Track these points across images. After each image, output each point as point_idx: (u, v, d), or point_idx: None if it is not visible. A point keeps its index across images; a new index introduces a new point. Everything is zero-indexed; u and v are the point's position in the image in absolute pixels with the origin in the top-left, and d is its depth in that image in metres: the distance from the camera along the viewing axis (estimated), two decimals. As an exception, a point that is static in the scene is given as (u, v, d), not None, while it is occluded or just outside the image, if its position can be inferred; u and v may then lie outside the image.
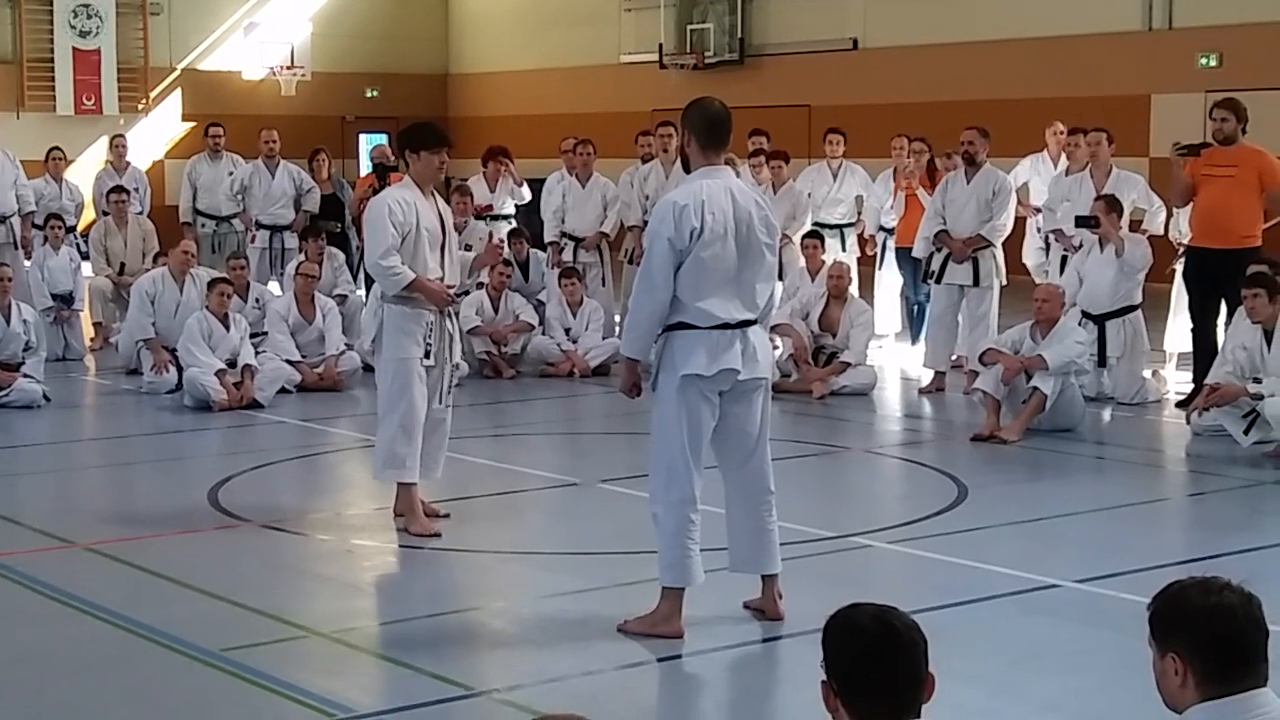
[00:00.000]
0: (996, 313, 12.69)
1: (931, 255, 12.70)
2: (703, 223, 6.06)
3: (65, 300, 14.65)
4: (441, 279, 7.71)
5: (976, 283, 12.45)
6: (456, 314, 7.86)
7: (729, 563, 6.47)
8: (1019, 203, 15.05)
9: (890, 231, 14.77)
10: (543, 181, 15.20)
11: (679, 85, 25.23)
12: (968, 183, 12.44)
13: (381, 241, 7.57)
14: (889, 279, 14.95)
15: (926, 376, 12.88)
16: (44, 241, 15.19)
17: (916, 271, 13.95)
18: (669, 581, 6.21)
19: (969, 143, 12.42)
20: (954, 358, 12.87)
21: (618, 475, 8.94)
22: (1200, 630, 3.17)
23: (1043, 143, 15.18)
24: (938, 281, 12.70)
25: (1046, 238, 14.90)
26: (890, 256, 14.82)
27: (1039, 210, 15.02)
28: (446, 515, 7.94)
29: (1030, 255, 15.21)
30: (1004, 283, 12.80)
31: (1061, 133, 15.17)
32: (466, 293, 8.20)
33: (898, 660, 3.06)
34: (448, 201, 14.34)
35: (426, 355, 7.69)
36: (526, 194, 15.41)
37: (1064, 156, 14.93)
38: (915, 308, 14.43)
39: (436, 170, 7.73)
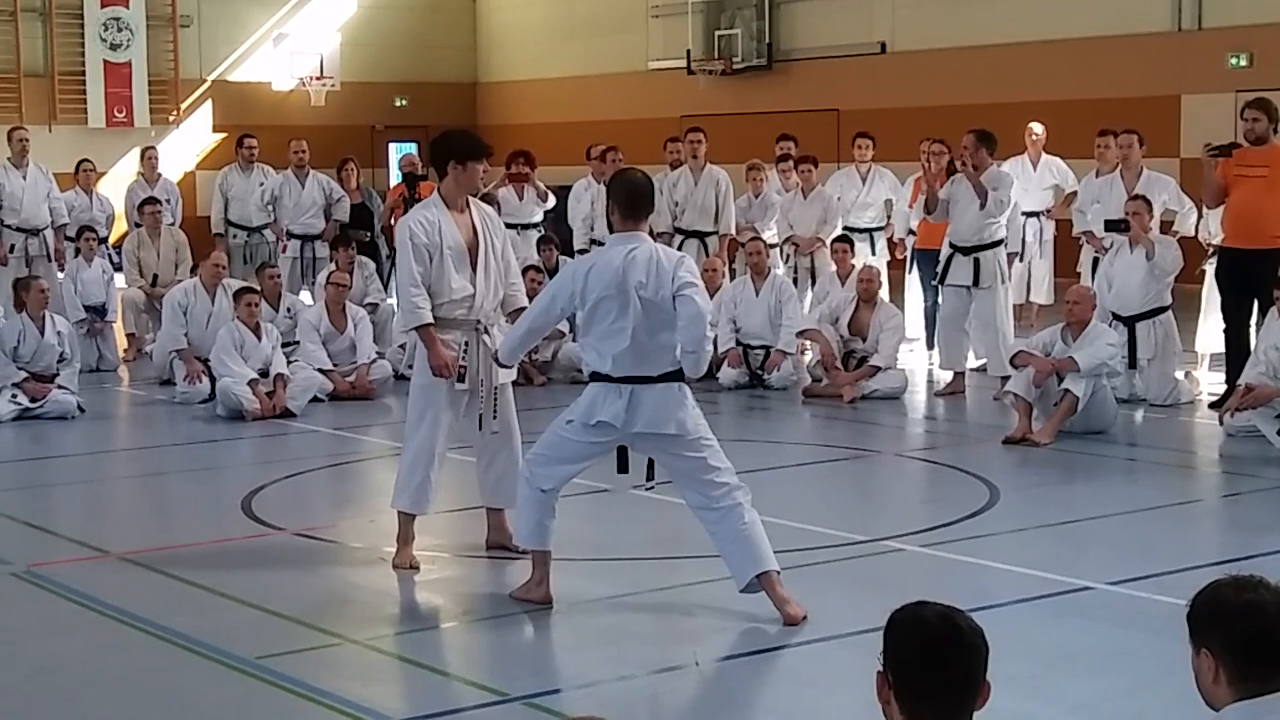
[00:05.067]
0: (1007, 314, 12.64)
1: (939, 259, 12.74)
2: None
3: (98, 312, 14.73)
4: (472, 295, 7.46)
5: (977, 283, 12.38)
6: (488, 331, 7.50)
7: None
8: None
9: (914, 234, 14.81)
10: (570, 189, 15.22)
11: (707, 91, 25.26)
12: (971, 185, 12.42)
13: (406, 272, 7.42)
14: (918, 283, 14.94)
15: (946, 379, 12.89)
16: (76, 253, 15.28)
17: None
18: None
19: (964, 147, 12.42)
20: (980, 362, 12.88)
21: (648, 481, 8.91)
22: (1231, 626, 3.17)
23: (1076, 145, 15.20)
24: (941, 283, 12.70)
25: (1024, 241, 15.05)
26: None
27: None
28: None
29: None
30: (1006, 282, 12.69)
31: (1038, 137, 15.30)
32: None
33: (956, 661, 3.06)
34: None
35: (460, 379, 7.43)
36: (552, 201, 15.45)
37: (1044, 155, 15.11)
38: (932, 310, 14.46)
39: (476, 180, 7.59)
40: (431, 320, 7.41)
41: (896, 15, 23.47)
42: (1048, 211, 15.57)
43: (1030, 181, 15.20)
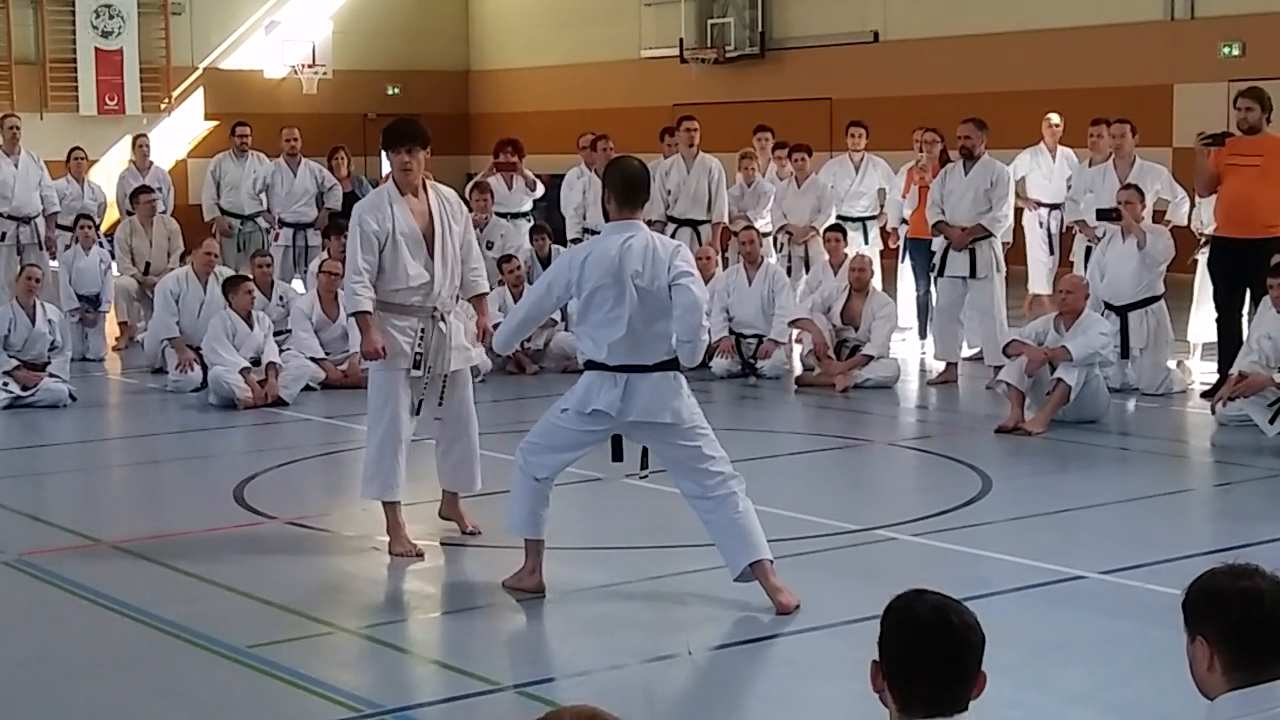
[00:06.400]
0: (1003, 304, 12.64)
1: (935, 250, 12.74)
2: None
3: (92, 302, 14.67)
4: (429, 282, 7.46)
5: (974, 274, 12.40)
6: (444, 318, 7.51)
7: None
8: (1019, 196, 15.06)
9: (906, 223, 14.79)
10: (563, 177, 15.20)
11: (700, 80, 25.24)
12: (965, 174, 12.42)
13: (351, 257, 7.48)
14: (910, 272, 14.93)
15: (938, 368, 12.90)
16: (73, 242, 15.22)
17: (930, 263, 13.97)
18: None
19: (965, 136, 12.40)
20: (974, 351, 12.89)
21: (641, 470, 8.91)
22: (1226, 614, 3.16)
23: (1071, 134, 15.14)
24: (939, 274, 12.70)
25: (1049, 233, 14.94)
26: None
27: (1040, 204, 15.03)
28: (477, 532, 7.77)
29: (1033, 249, 15.15)
30: (1001, 271, 12.66)
31: (1056, 125, 15.20)
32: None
33: (950, 655, 3.06)
34: (465, 197, 14.44)
35: (416, 365, 7.44)
36: (540, 189, 15.43)
37: (1059, 146, 14.99)
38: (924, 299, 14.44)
39: (400, 170, 7.46)
40: (369, 308, 7.41)
41: (889, 4, 23.46)
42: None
43: (1052, 172, 15.09)
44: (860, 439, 10.72)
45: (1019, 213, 15.19)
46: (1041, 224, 15.18)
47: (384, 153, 7.67)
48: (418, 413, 7.59)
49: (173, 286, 12.99)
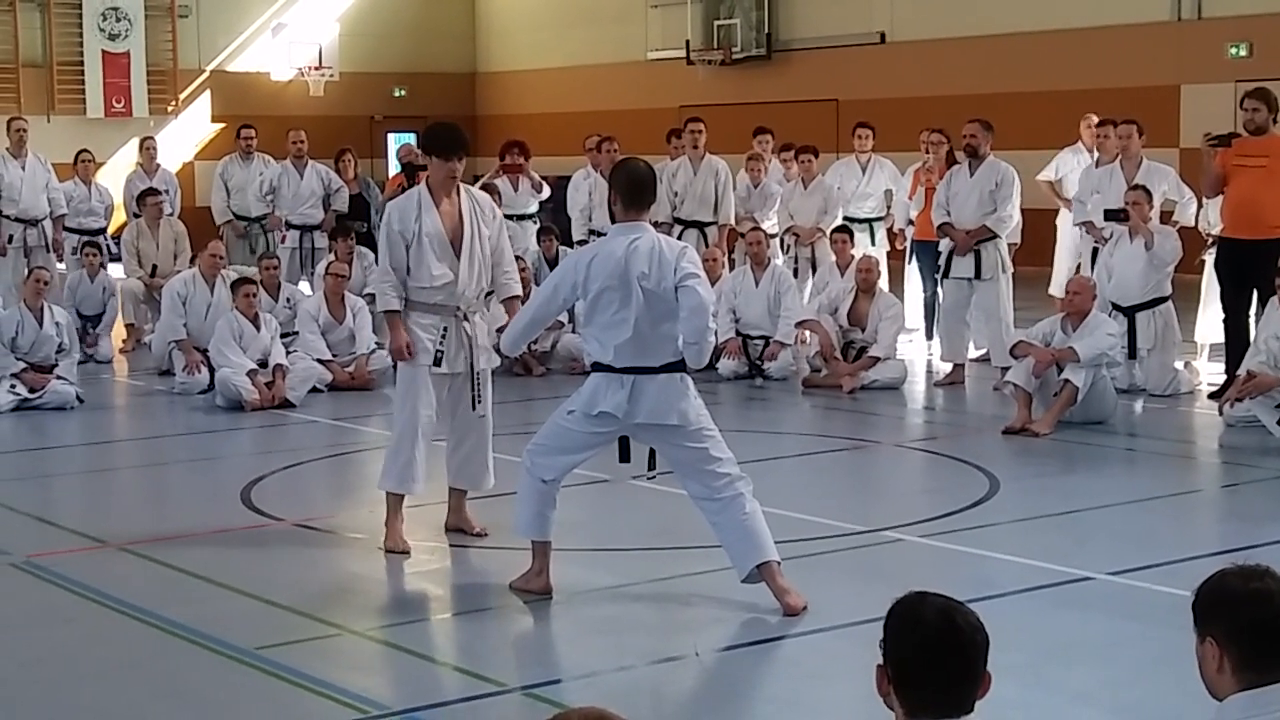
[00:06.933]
0: (1010, 304, 12.63)
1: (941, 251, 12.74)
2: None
3: (93, 321, 14.58)
4: (453, 282, 7.53)
5: (979, 275, 12.39)
6: (468, 318, 7.62)
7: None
8: (1058, 196, 15.02)
9: (913, 224, 14.77)
10: (569, 179, 15.20)
11: (706, 81, 25.24)
12: (971, 175, 12.41)
13: (382, 257, 7.74)
14: (917, 274, 14.92)
15: (945, 370, 12.90)
16: (78, 252, 15.19)
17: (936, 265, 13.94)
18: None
19: (971, 135, 12.40)
20: (981, 352, 12.88)
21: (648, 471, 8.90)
22: (1236, 615, 3.17)
23: (1075, 134, 15.10)
24: (944, 276, 12.69)
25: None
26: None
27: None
28: (484, 533, 7.81)
29: (1063, 254, 15.08)
30: (1007, 271, 12.63)
31: (1094, 125, 15.11)
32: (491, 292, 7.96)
33: (954, 658, 3.05)
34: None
35: (437, 363, 7.54)
36: (547, 191, 15.43)
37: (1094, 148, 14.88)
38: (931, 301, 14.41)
39: (447, 178, 7.56)
40: (397, 308, 7.60)
41: (895, 5, 23.46)
42: None
43: (1082, 170, 14.99)
44: (867, 440, 10.71)
45: (1054, 213, 15.17)
46: (1077, 225, 15.12)
47: (427, 156, 7.76)
48: (473, 409, 7.66)
49: (180, 288, 13.00)
